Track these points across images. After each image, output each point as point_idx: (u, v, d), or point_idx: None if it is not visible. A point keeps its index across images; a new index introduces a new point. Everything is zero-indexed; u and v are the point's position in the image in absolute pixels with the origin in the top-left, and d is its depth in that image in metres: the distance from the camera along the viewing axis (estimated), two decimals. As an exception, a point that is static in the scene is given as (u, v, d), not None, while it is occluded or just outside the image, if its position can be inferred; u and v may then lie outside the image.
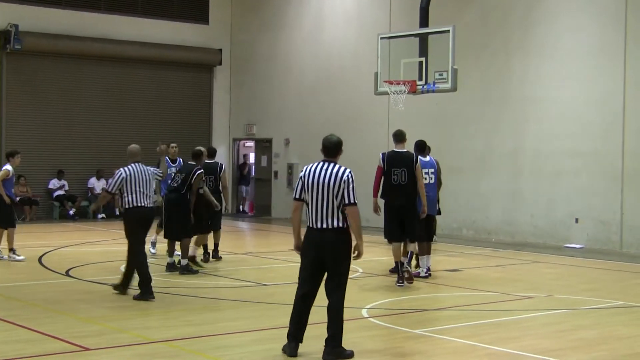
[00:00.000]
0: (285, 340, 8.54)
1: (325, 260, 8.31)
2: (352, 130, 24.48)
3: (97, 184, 26.78)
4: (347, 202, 8.24)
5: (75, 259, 16.03)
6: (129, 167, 12.21)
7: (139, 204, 12.01)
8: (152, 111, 28.06)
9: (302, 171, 8.44)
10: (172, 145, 16.94)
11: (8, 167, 15.77)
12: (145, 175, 12.22)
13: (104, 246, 18.95)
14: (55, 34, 26.11)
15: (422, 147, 14.35)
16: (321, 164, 8.41)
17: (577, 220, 19.76)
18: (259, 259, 16.57)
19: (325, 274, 8.42)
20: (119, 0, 27.72)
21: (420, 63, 17.32)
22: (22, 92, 25.95)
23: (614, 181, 19.16)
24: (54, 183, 26.18)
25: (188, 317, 10.58)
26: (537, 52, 20.57)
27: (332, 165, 8.36)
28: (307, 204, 8.35)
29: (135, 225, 12.04)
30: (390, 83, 17.52)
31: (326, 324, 8.39)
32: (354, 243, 8.38)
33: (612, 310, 11.59)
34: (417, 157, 13.55)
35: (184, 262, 14.31)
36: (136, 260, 12.00)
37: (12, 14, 25.37)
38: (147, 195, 12.12)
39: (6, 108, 25.63)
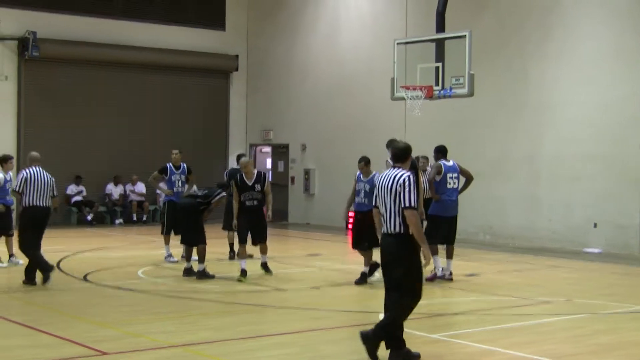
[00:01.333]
0: (303, 344, 8.55)
1: (385, 264, 8.38)
2: (368, 136, 24.49)
3: (115, 190, 26.89)
4: (403, 205, 8.22)
5: (93, 264, 16.09)
6: (30, 169, 13.50)
7: (35, 204, 13.40)
8: (169, 117, 28.16)
9: (376, 177, 8.49)
10: (174, 151, 17.01)
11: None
12: (43, 177, 13.55)
13: (121, 251, 19.00)
14: (72, 40, 26.24)
15: (444, 152, 14.57)
16: (392, 169, 8.43)
17: (595, 225, 19.69)
18: (276, 264, 16.59)
19: None
20: (136, 7, 27.84)
21: (437, 68, 17.29)
22: (40, 99, 26.08)
23: (632, 185, 19.07)
24: (71, 189, 26.29)
25: (206, 322, 10.60)
26: (554, 56, 20.52)
27: (396, 169, 8.37)
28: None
29: (30, 222, 13.40)
30: (407, 88, 17.51)
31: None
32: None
33: (631, 315, 11.53)
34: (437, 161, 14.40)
35: (201, 267, 14.34)
36: (27, 251, 13.41)
37: (29, 21, 25.51)
38: (43, 196, 13.48)
39: (25, 114, 25.76)
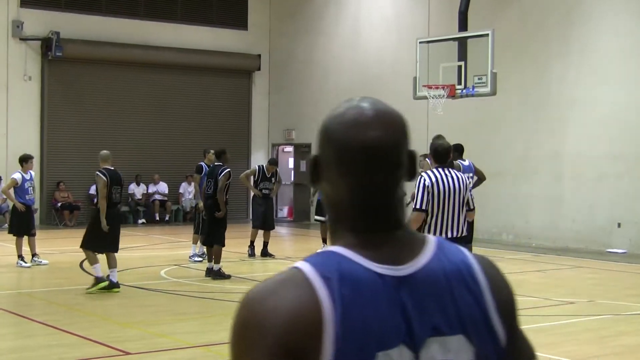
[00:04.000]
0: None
1: None
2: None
3: (137, 190, 26.96)
4: (472, 206, 8.07)
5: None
6: None
7: None
8: (191, 117, 28.20)
9: (425, 179, 7.87)
10: (211, 151, 17.12)
11: (16, 175, 15.85)
12: None
13: (144, 251, 19.06)
14: (95, 41, 26.35)
15: (461, 151, 14.31)
16: (441, 169, 7.97)
17: (619, 225, 19.57)
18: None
19: None
20: (159, 7, 27.92)
21: (459, 67, 17.26)
22: (64, 99, 26.21)
23: (657, 185, 18.94)
24: (94, 189, 26.37)
25: (228, 322, 10.56)
26: (577, 54, 20.40)
27: (452, 170, 8.08)
28: (431, 214, 7.90)
29: None
30: (429, 87, 17.48)
31: None
32: None
33: (655, 315, 11.46)
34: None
35: (216, 267, 14.32)
36: None
37: (53, 22, 25.64)
38: None
39: (48, 115, 25.89)
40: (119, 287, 12.84)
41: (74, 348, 8.96)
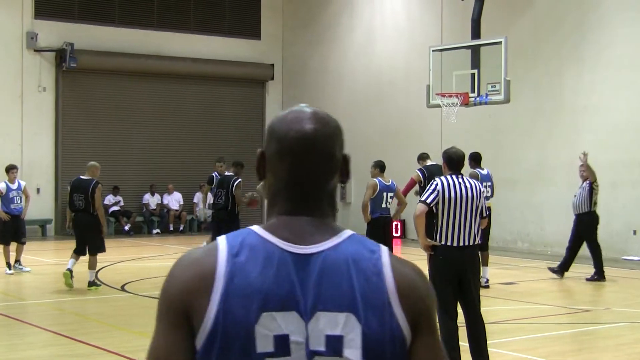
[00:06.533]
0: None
1: (464, 279, 7.92)
2: (404, 144, 24.41)
3: (152, 200, 27.00)
4: (486, 213, 8.07)
5: (131, 274, 16.16)
6: None
7: None
8: (205, 127, 28.25)
9: (438, 183, 7.87)
10: (219, 164, 17.26)
11: (1, 184, 16.27)
12: None
13: (159, 261, 19.08)
14: (109, 51, 26.44)
15: (479, 160, 14.28)
16: (455, 177, 7.91)
17: (635, 232, 19.47)
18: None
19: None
20: (172, 18, 28.00)
21: (473, 75, 17.24)
22: (78, 110, 26.29)
23: (672, 192, 18.83)
24: (109, 199, 26.44)
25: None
26: (591, 60, 20.33)
27: (466, 178, 8.08)
28: (442, 220, 7.85)
29: None
30: (443, 95, 17.46)
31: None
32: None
33: (672, 323, 11.38)
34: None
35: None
36: None
37: (67, 33, 25.74)
38: None
39: (62, 125, 25.97)
40: (96, 286, 14.05)
41: (88, 358, 8.96)
